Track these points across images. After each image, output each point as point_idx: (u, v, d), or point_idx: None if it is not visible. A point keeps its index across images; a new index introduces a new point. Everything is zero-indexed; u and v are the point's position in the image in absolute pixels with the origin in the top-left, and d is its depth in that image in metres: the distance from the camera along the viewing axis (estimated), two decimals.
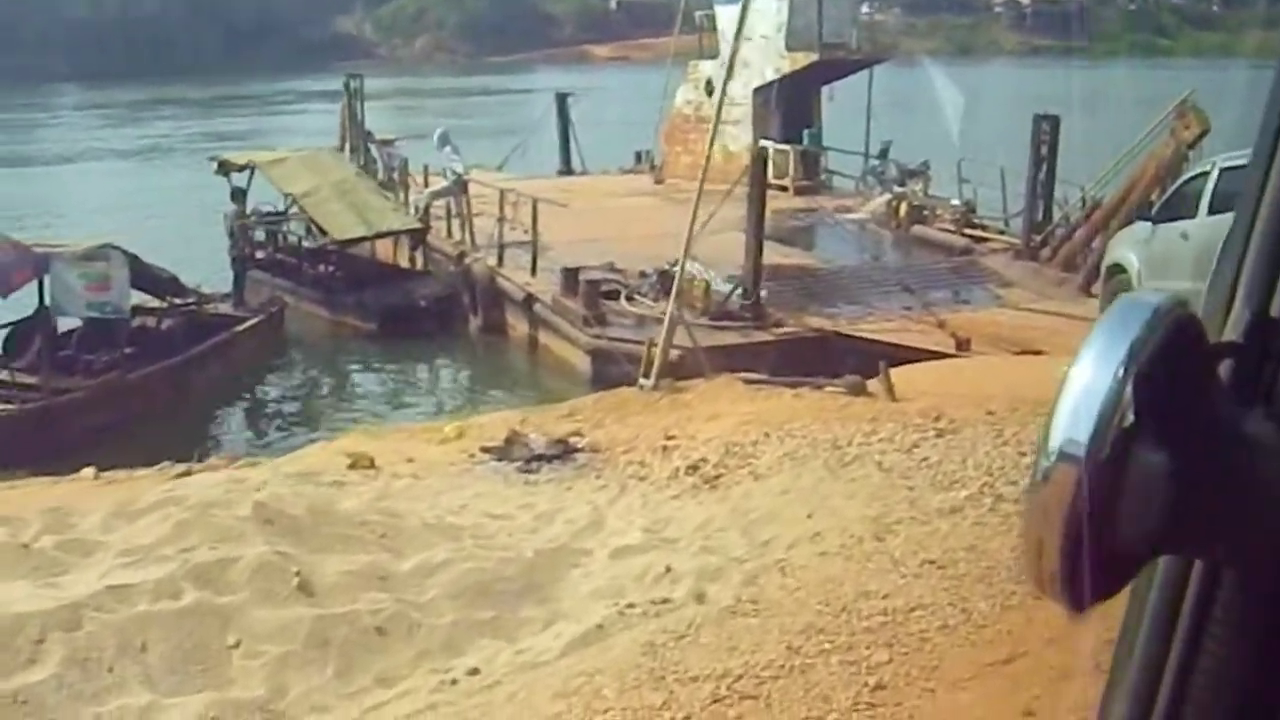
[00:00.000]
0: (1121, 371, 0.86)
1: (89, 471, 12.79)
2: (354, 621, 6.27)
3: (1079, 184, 23.08)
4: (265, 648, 6.07)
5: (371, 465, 9.88)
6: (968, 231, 24.84)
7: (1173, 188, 17.02)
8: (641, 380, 12.92)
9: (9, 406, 17.51)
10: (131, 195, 43.29)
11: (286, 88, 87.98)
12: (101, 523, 7.38)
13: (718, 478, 8.84)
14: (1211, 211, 14.10)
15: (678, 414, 11.23)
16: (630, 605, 6.46)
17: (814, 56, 29.49)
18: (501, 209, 23.91)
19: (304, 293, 25.20)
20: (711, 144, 15.42)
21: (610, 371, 18.16)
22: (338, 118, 35.73)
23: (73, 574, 6.62)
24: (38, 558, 6.77)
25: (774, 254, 23.20)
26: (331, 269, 25.74)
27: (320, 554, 6.90)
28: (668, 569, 6.90)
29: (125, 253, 18.75)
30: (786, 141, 30.53)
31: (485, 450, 10.15)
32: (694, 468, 9.08)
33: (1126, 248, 16.67)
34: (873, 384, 11.85)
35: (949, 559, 6.85)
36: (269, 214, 26.29)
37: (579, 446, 10.15)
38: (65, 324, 19.21)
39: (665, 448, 9.70)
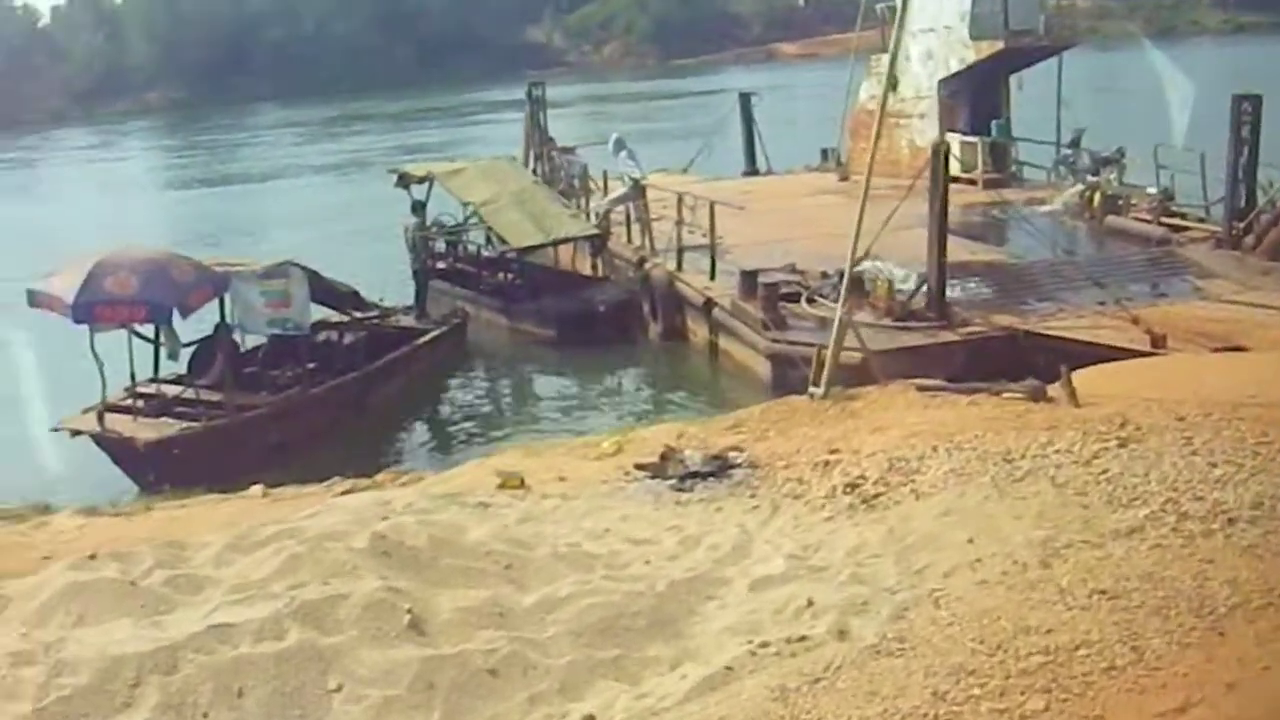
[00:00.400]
0: None
1: (257, 489, 12.78)
2: (465, 663, 5.87)
3: None
4: (368, 692, 5.71)
5: (521, 485, 9.55)
6: (1165, 220, 23.63)
7: None
8: (811, 389, 12.38)
9: (194, 424, 17.67)
10: (325, 210, 44.28)
11: (478, 98, 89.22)
12: (215, 557, 7.11)
13: (876, 496, 8.27)
14: None
15: (845, 425, 10.68)
16: (765, 644, 5.95)
17: (999, 45, 28.50)
18: (679, 212, 23.56)
19: (483, 301, 25.27)
20: (877, 140, 14.76)
21: (791, 376, 17.63)
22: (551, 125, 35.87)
23: (178, 612, 6.35)
24: (145, 595, 6.53)
25: (961, 251, 22.48)
26: (510, 277, 25.73)
27: (438, 588, 6.53)
28: (809, 602, 6.37)
29: (305, 269, 18.85)
30: (974, 133, 29.66)
31: (639, 467, 9.74)
32: (852, 485, 8.52)
33: None
34: (1054, 389, 11.13)
35: (1122, 588, 6.21)
36: (449, 225, 26.35)
37: (737, 462, 9.67)
38: (251, 340, 19.41)
39: (826, 463, 9.16)
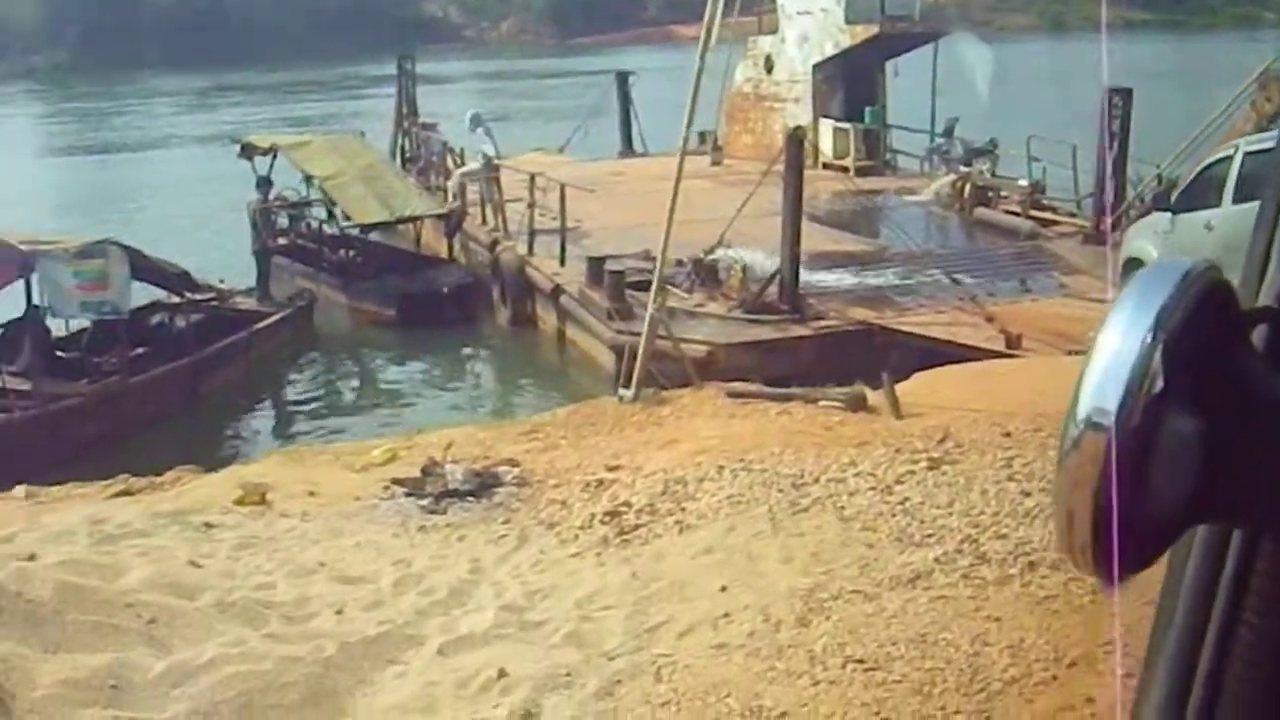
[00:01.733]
0: (1150, 337, 0.85)
1: (20, 490, 11.63)
2: None
3: (1159, 162, 21.09)
4: None
5: (262, 500, 8.42)
6: (1034, 213, 22.87)
7: (1192, 174, 15.44)
8: (620, 391, 11.35)
9: None
10: (198, 181, 42.49)
11: (368, 72, 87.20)
12: None
13: (637, 528, 7.22)
14: (1237, 200, 12.98)
15: (641, 435, 9.66)
16: None
17: (874, 29, 27.64)
18: (531, 194, 22.48)
19: (324, 279, 24.20)
20: (689, 124, 13.79)
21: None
22: (434, 100, 35.03)
23: None
24: None
25: (825, 240, 21.74)
26: (352, 254, 24.56)
27: (50, 653, 5.34)
28: (501, 673, 5.31)
29: (125, 247, 17.50)
30: (849, 120, 28.82)
31: (398, 482, 8.63)
32: (614, 514, 7.46)
33: (1145, 240, 15.40)
34: (876, 396, 10.20)
35: (884, 656, 5.24)
36: (292, 200, 25.03)
37: (505, 479, 8.60)
38: (76, 324, 18.08)
39: (600, 482, 8.11)
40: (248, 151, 24.93)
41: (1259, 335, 0.93)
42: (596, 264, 19.51)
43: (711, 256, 19.67)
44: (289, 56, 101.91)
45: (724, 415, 9.93)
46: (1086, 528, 0.83)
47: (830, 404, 10.01)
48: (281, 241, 24.84)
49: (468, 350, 22.27)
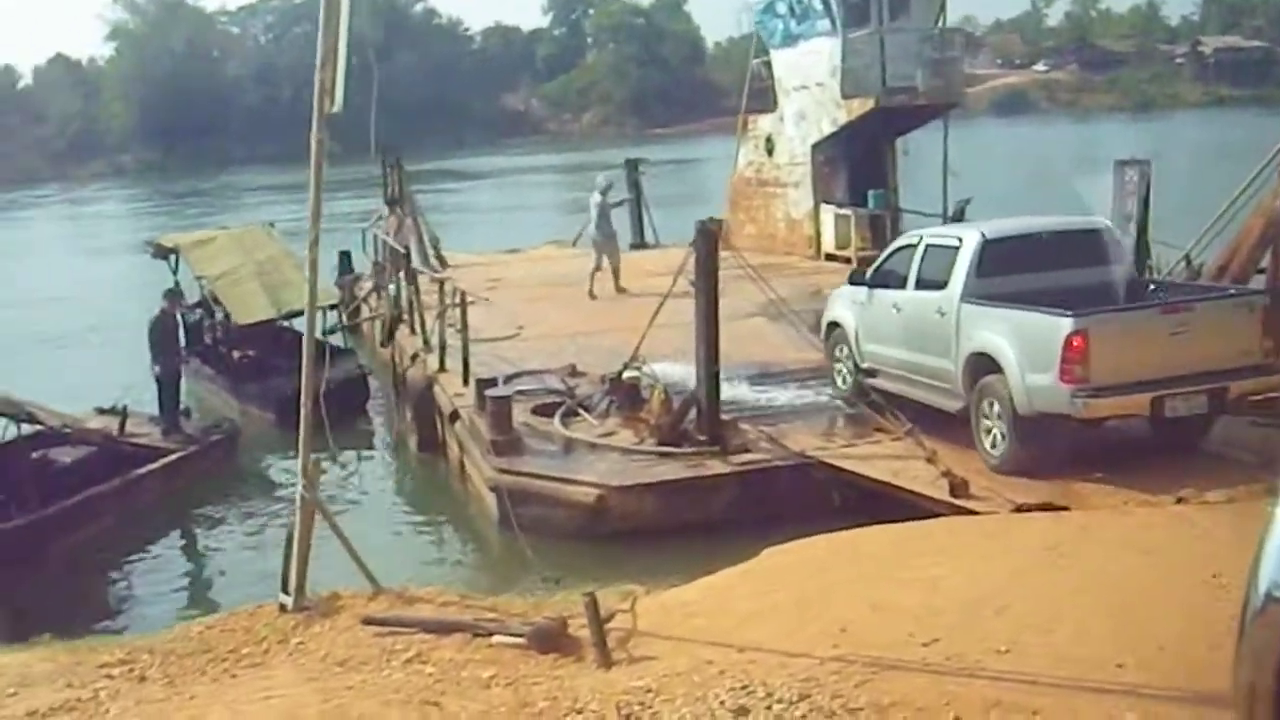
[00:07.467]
0: None
1: None
2: None
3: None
4: None
5: None
6: None
7: (884, 254, 15.51)
8: (282, 596, 7.91)
9: None
10: None
11: (448, 167, 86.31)
12: None
13: None
14: (918, 286, 14.04)
15: (215, 689, 6.25)
16: None
17: (870, 103, 24.23)
18: (441, 300, 19.47)
19: (220, 382, 22.37)
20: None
21: (522, 515, 13.24)
22: (502, 193, 32.91)
23: None
24: None
25: (788, 346, 18.43)
26: (238, 355, 22.39)
27: None
28: None
29: None
30: (855, 204, 25.37)
31: None
32: None
33: (844, 308, 15.87)
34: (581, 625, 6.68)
35: None
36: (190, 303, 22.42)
37: None
38: None
39: None
40: (160, 252, 23.27)
41: None
42: (482, 385, 16.24)
43: (630, 374, 16.32)
44: (369, 151, 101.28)
45: (338, 655, 6.50)
46: (1269, 704, 0.73)
47: (507, 640, 6.51)
48: (186, 352, 21.69)
49: (374, 483, 18.72)
